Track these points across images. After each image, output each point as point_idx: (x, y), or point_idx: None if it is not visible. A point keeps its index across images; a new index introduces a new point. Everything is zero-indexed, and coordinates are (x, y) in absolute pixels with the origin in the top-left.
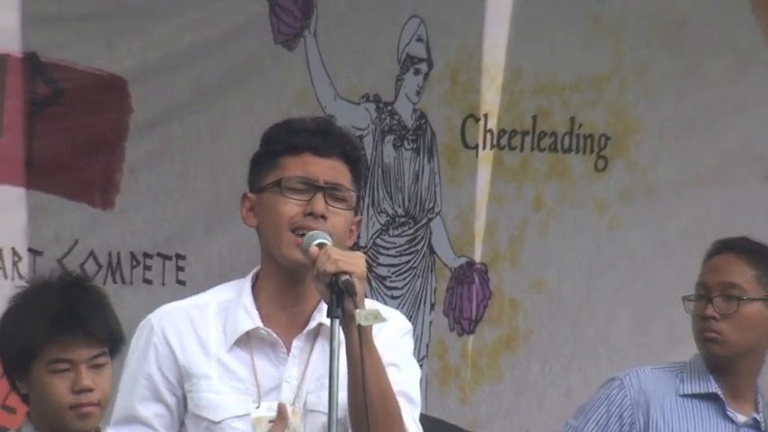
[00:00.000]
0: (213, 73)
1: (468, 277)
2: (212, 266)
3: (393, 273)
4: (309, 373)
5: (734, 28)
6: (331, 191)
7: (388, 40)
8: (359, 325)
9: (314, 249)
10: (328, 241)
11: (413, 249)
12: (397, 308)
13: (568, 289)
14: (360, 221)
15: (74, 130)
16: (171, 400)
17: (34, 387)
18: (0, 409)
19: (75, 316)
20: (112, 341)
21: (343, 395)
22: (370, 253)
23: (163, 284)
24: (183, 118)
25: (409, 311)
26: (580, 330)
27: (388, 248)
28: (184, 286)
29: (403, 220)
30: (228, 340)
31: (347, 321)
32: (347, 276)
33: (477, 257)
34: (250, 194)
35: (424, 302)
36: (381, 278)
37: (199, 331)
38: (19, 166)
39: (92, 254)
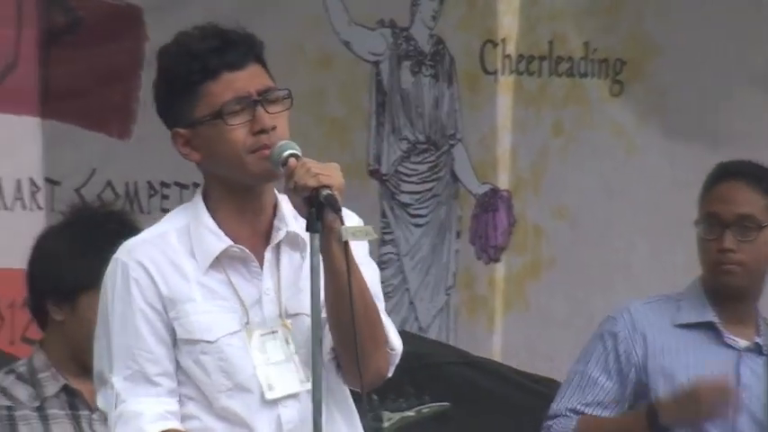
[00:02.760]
0: (228, 0)
1: (493, 204)
2: None
3: (416, 200)
4: (283, 282)
5: None
6: (265, 98)
7: None
8: (345, 241)
9: (292, 161)
10: (298, 151)
11: (435, 176)
12: (422, 236)
13: (589, 216)
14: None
15: (90, 59)
16: (165, 333)
17: (79, 316)
18: (19, 341)
19: None
20: None
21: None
22: (391, 180)
23: None
24: None
25: (434, 240)
26: (601, 257)
27: (410, 175)
28: None
29: (424, 146)
30: (202, 264)
31: (327, 235)
32: (328, 190)
33: (501, 184)
34: (181, 130)
35: (450, 230)
36: (404, 205)
37: (172, 258)
38: (34, 95)
39: (109, 183)
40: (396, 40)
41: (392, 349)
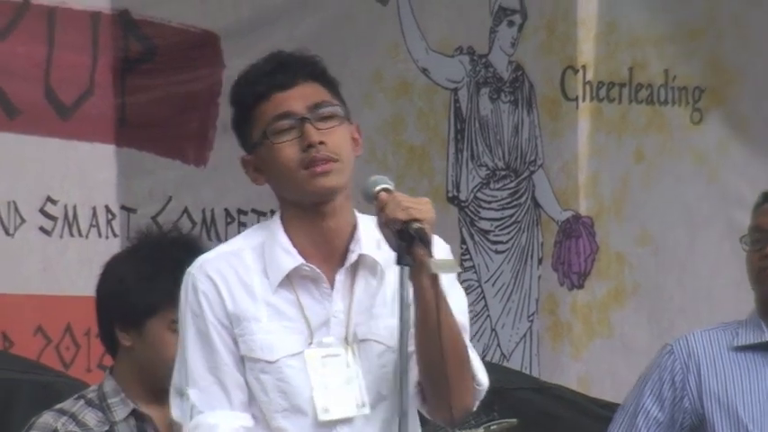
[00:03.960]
0: (307, 27)
1: (576, 231)
2: None
3: (496, 227)
4: (355, 306)
5: None
6: (315, 114)
7: None
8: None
9: (383, 195)
10: (391, 186)
11: (516, 203)
12: (503, 263)
13: (672, 243)
14: (358, 126)
15: (166, 86)
16: (234, 347)
17: (146, 342)
18: (96, 368)
19: None
20: None
21: (391, 322)
22: (471, 207)
23: None
24: None
25: (516, 266)
26: (685, 284)
27: (489, 202)
28: None
29: (504, 173)
30: (273, 282)
31: (417, 269)
32: (419, 224)
33: (583, 210)
34: (247, 157)
35: (532, 257)
36: (484, 232)
37: (242, 276)
38: (109, 123)
39: (186, 211)
40: (474, 66)
41: (479, 385)
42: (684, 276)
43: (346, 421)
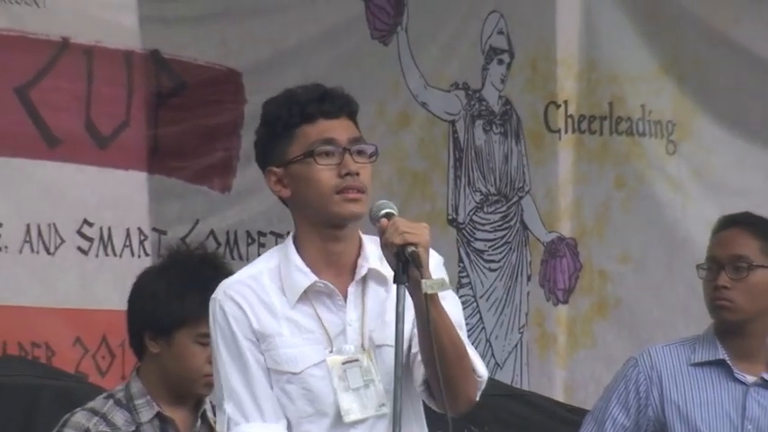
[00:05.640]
0: (318, 66)
1: (560, 251)
2: None
3: (490, 247)
4: (368, 314)
5: None
6: (355, 148)
7: (471, 33)
8: (425, 293)
9: (383, 221)
10: (394, 210)
11: (506, 225)
12: (495, 280)
13: (651, 261)
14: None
15: (194, 119)
16: (264, 361)
17: (173, 351)
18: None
19: None
20: None
21: (406, 328)
22: (467, 229)
23: None
24: None
25: (507, 282)
26: (663, 300)
27: (483, 224)
28: None
29: (496, 198)
30: (290, 299)
31: (413, 286)
32: (413, 248)
33: (566, 232)
34: (275, 169)
35: (521, 274)
36: (479, 252)
37: (261, 297)
38: (143, 152)
39: (212, 233)
40: (469, 100)
41: (479, 377)
42: (662, 292)
43: (362, 420)
